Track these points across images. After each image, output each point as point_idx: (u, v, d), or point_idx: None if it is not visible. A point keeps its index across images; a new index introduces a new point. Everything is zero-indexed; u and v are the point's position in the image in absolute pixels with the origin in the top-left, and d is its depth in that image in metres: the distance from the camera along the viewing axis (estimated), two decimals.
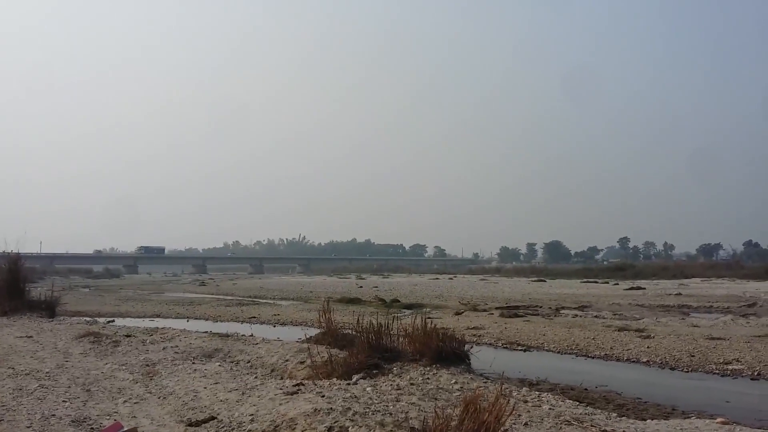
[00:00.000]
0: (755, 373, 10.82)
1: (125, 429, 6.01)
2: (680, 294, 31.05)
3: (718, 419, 7.10)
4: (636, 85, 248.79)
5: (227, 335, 13.84)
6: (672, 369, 11.62)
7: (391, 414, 5.94)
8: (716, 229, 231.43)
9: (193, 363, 10.38)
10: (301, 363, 9.79)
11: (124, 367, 9.93)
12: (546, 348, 14.15)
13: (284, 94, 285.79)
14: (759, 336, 14.57)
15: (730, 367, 11.32)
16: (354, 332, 10.39)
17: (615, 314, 21.14)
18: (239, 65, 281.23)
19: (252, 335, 14.21)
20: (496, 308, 23.34)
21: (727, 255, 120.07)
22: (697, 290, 34.02)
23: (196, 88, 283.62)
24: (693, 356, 12.26)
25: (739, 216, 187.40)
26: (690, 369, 11.48)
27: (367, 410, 6.00)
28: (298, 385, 7.37)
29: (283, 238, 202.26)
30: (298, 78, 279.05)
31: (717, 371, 11.18)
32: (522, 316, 20.28)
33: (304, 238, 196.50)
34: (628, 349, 13.22)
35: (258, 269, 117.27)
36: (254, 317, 21.94)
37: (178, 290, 44.41)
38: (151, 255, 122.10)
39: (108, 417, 6.66)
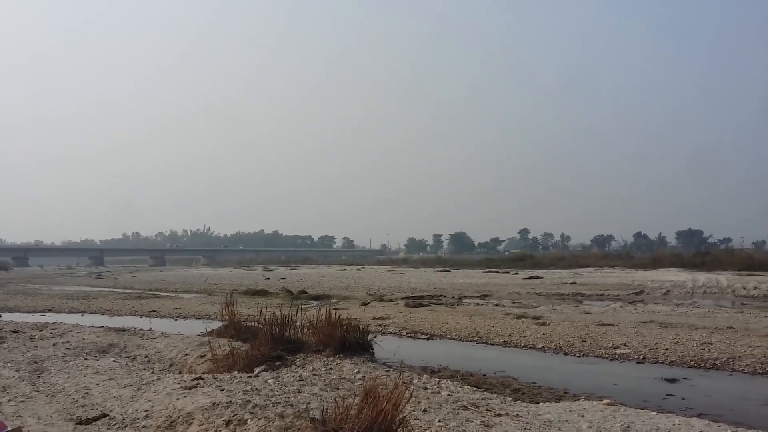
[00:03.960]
0: (641, 357, 11.49)
1: (9, 429, 5.65)
2: (575, 283, 32.52)
3: (605, 400, 7.53)
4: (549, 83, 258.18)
5: (124, 330, 13.33)
6: (565, 354, 12.17)
7: (292, 405, 5.91)
8: (609, 221, 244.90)
9: (86, 359, 9.93)
10: (202, 357, 9.56)
11: (9, 365, 9.35)
12: (448, 336, 14.48)
13: (185, 75, 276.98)
14: (645, 322, 15.49)
15: (618, 351, 11.97)
16: (258, 324, 10.26)
17: (514, 302, 21.92)
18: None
19: (150, 329, 13.77)
20: (402, 298, 23.64)
21: (618, 246, 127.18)
22: (590, 279, 35.73)
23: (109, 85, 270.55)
24: (585, 342, 12.89)
25: (630, 209, 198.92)
26: (582, 354, 12.06)
27: (268, 402, 5.95)
28: (197, 379, 7.20)
29: (187, 229, 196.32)
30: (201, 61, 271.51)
31: (606, 356, 11.80)
32: (426, 306, 20.66)
33: (209, 229, 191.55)
34: (525, 336, 13.74)
35: (159, 261, 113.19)
36: (154, 311, 21.19)
37: (72, 283, 42.19)
38: None
39: None
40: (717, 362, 10.74)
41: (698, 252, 60.32)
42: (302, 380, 7.53)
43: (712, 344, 12.04)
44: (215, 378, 7.36)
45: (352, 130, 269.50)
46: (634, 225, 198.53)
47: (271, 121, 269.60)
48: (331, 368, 8.36)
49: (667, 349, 11.80)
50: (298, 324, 9.80)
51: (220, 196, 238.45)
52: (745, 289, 26.64)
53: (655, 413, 6.94)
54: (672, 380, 9.73)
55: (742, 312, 17.79)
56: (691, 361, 10.97)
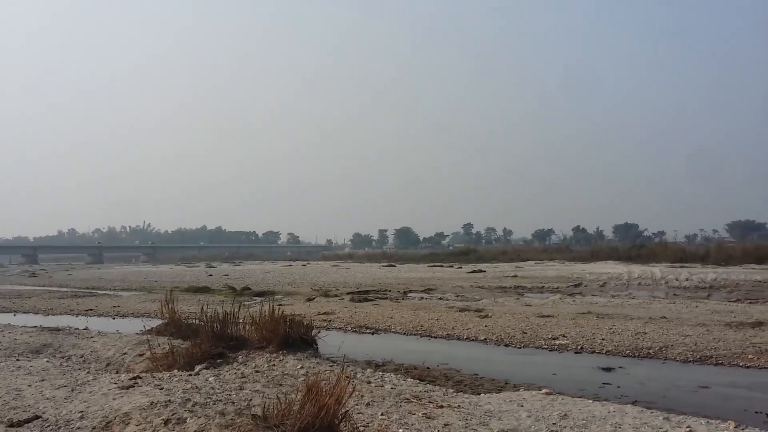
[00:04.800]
0: (579, 347, 11.80)
1: None
2: (516, 276, 33.14)
3: (543, 390, 7.71)
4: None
5: (58, 329, 12.89)
6: (506, 345, 12.38)
7: (233, 402, 5.83)
8: (549, 215, 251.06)
9: (18, 360, 9.56)
10: (140, 355, 9.34)
11: None
12: (393, 330, 14.55)
13: (136, 75, 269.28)
14: (582, 313, 15.90)
15: (557, 342, 12.27)
16: (199, 322, 10.08)
17: (457, 296, 22.20)
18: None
19: (86, 328, 13.36)
20: (347, 293, 23.64)
21: (558, 239, 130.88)
22: (531, 272, 36.51)
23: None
24: (525, 333, 13.15)
25: (569, 204, 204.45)
26: (522, 345, 12.30)
27: (209, 400, 5.85)
28: (134, 378, 7.02)
29: (126, 226, 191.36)
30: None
31: (546, 346, 12.07)
32: (371, 300, 20.71)
33: (149, 225, 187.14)
34: (468, 329, 13.93)
35: (97, 259, 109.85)
36: (91, 309, 20.54)
37: (4, 282, 40.51)
38: None
39: None
40: (651, 351, 11.12)
41: (634, 245, 62.67)
42: (244, 377, 7.44)
43: (646, 334, 12.46)
44: (154, 377, 7.20)
45: (298, 129, 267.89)
46: (573, 219, 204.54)
47: (216, 118, 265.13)
48: (274, 365, 8.28)
49: (603, 339, 12.15)
50: (240, 321, 9.67)
51: (160, 192, 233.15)
52: (677, 280, 27.72)
53: (591, 401, 7.15)
54: (608, 369, 10.03)
55: (674, 302, 18.43)
56: (626, 350, 11.32)
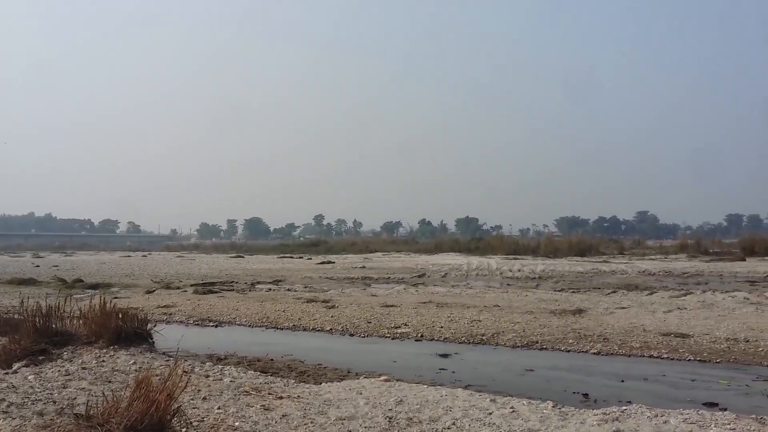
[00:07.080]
0: (419, 335, 12.25)
1: None
2: (364, 267, 33.78)
3: (382, 377, 7.94)
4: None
5: None
6: (352, 335, 12.58)
7: (54, 402, 5.43)
8: (397, 208, 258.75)
9: None
10: None
11: None
12: (238, 322, 14.27)
13: None
14: (424, 302, 16.54)
15: (399, 330, 12.66)
16: (19, 316, 9.24)
17: (306, 287, 22.20)
18: None
19: None
20: (191, 285, 22.81)
21: (405, 232, 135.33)
22: (378, 263, 37.39)
23: None
24: (370, 323, 13.44)
25: (416, 197, 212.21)
26: (367, 334, 12.56)
27: (26, 400, 5.41)
28: None
29: None
30: None
31: (389, 335, 12.41)
32: (217, 292, 20.16)
33: None
34: (314, 319, 13.99)
35: None
36: None
37: None
38: None
39: None
40: (484, 337, 11.80)
41: (473, 238, 66.25)
42: (69, 375, 6.93)
43: (480, 321, 13.21)
44: None
45: (146, 110, 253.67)
46: (419, 213, 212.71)
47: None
48: (103, 361, 7.80)
49: (442, 327, 12.71)
50: (68, 315, 9.01)
51: None
52: (510, 271, 29.70)
53: (426, 386, 7.45)
54: (445, 355, 10.51)
55: (507, 292, 19.67)
56: (462, 337, 11.92)
